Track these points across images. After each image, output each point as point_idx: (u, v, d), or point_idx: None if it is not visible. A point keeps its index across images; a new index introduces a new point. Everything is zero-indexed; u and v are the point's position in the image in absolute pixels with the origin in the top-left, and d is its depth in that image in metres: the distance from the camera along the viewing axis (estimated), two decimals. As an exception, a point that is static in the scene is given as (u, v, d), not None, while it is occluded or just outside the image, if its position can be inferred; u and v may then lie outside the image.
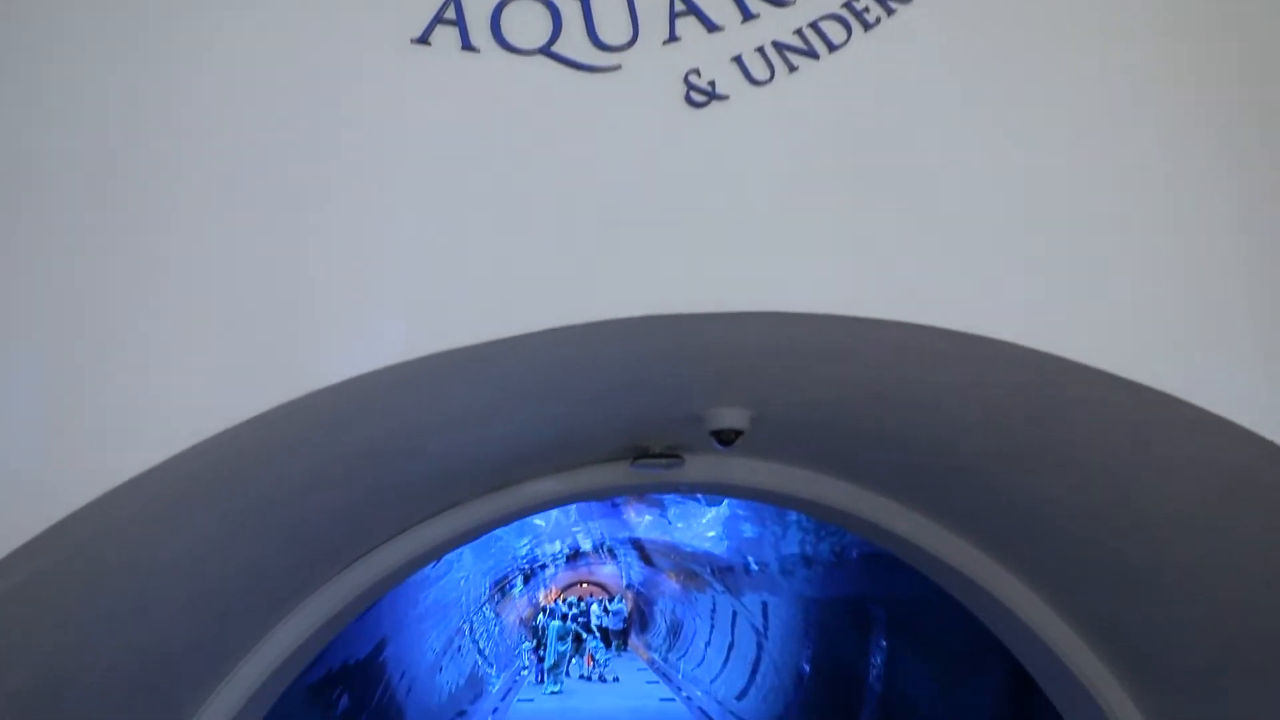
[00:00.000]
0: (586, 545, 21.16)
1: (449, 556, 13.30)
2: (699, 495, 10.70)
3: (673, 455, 3.78)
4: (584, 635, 23.84)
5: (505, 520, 4.29)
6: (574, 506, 15.22)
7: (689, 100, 2.13)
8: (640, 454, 3.78)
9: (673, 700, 19.08)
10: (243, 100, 2.10)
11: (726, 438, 3.16)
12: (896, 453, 3.51)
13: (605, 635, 24.04)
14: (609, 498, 4.55)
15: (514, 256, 2.00)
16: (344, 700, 8.55)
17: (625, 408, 3.11)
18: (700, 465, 4.08)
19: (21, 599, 1.92)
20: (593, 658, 22.69)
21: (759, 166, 2.10)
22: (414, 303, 1.97)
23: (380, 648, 10.18)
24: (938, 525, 3.98)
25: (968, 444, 3.08)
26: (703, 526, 13.14)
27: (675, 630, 25.57)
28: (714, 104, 2.13)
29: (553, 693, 19.84)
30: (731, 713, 15.86)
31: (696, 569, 17.74)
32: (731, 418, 3.11)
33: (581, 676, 21.76)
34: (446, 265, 2.00)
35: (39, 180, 2.02)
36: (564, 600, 28.52)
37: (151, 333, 1.92)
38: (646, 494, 4.36)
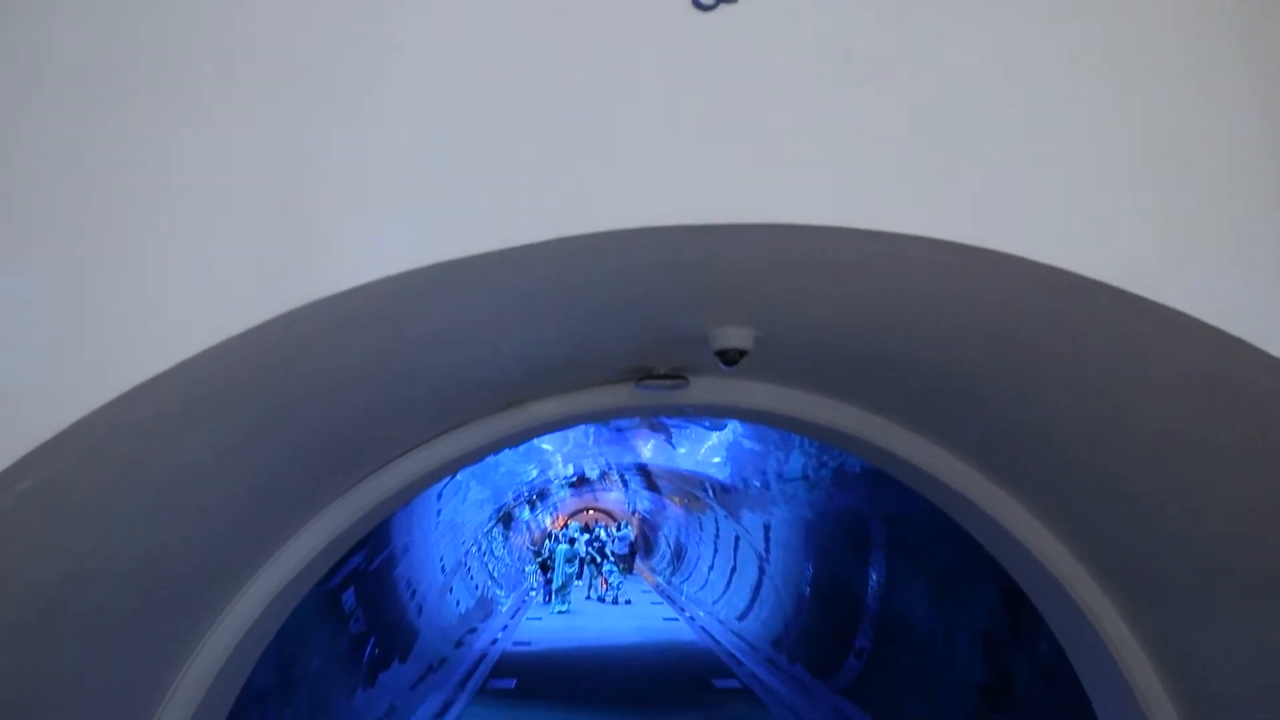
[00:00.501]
0: (593, 473, 21.55)
1: (459, 480, 13.59)
2: (703, 420, 10.79)
3: (677, 377, 3.80)
4: (599, 560, 24.58)
5: (512, 441, 4.35)
6: (580, 434, 15.43)
7: (696, 3, 2.06)
8: (645, 375, 3.80)
9: (676, 620, 19.77)
10: (246, 2, 2.05)
11: (731, 358, 3.17)
12: (899, 374, 3.53)
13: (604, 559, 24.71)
14: (614, 419, 4.60)
15: (516, 165, 1.97)
16: (356, 614, 8.86)
17: (630, 326, 3.11)
18: (704, 387, 4.11)
19: (39, 501, 1.98)
20: (607, 581, 23.38)
21: (767, 72, 2.04)
22: (416, 211, 1.96)
23: (392, 564, 10.50)
24: (938, 447, 4.03)
25: (970, 364, 3.10)
26: (707, 452, 13.32)
27: (679, 555, 26.28)
28: (722, 6, 2.06)
29: (560, 612, 20.57)
30: (733, 632, 16.45)
31: (700, 494, 18.09)
32: (736, 337, 3.12)
33: (598, 599, 22.43)
34: (448, 174, 1.97)
35: (39, 85, 1.98)
36: (570, 526, 29.16)
37: (155, 240, 1.91)
38: (651, 416, 4.40)
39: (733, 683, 12.07)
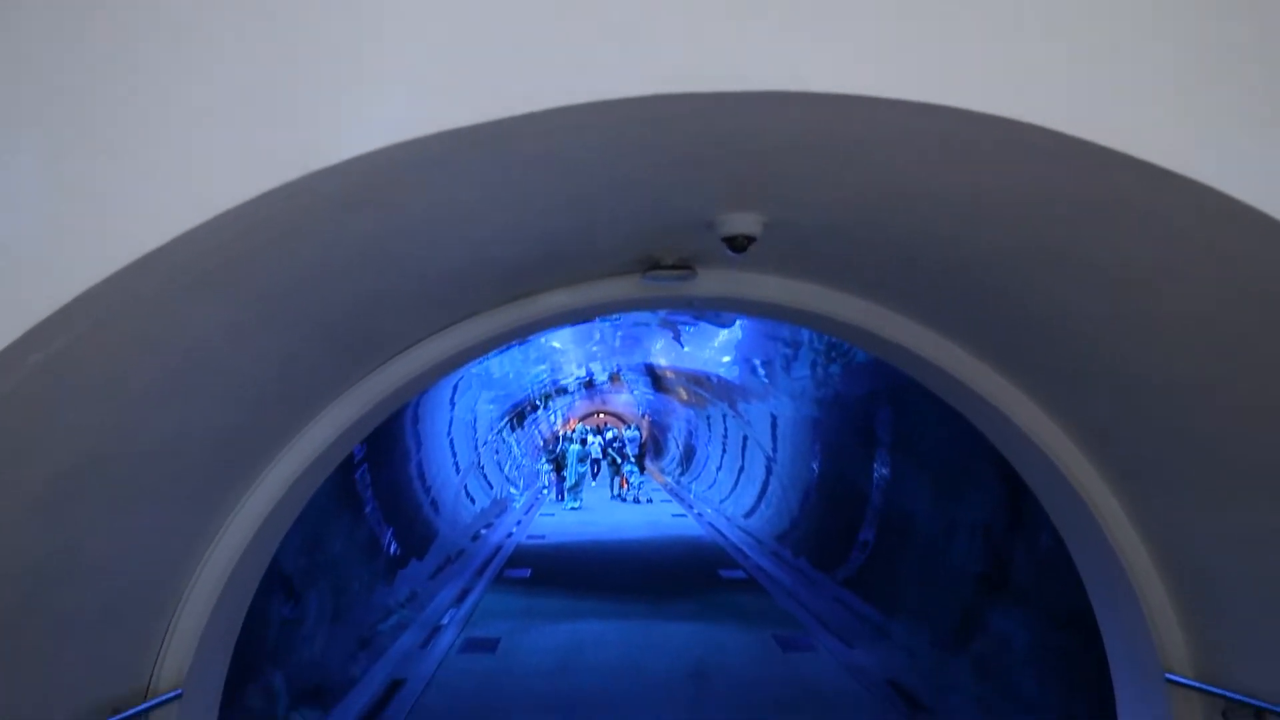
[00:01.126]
0: (602, 376, 21.79)
1: (471, 380, 13.76)
2: (709, 317, 10.73)
3: (684, 267, 3.76)
4: (619, 461, 25.15)
5: (522, 333, 4.37)
6: (591, 336, 15.50)
7: None
8: (652, 266, 3.76)
9: (684, 516, 20.41)
10: None
11: (738, 244, 3.12)
12: (908, 264, 3.48)
13: (613, 455, 25.28)
14: (621, 312, 4.59)
15: (516, 29, 1.89)
16: (374, 506, 9.16)
17: (636, 210, 3.05)
18: (712, 279, 4.08)
19: (53, 375, 2.01)
20: (627, 481, 23.96)
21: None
22: (412, 80, 1.89)
23: (406, 458, 10.79)
24: (945, 339, 4.01)
25: (979, 251, 3.04)
26: (715, 351, 13.35)
27: (688, 456, 26.87)
28: None
29: (572, 509, 21.29)
30: (740, 528, 16.99)
31: (709, 395, 18.31)
32: (744, 223, 3.06)
33: (619, 498, 23.02)
34: (446, 39, 1.89)
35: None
36: (579, 429, 29.67)
37: (152, 113, 1.87)
38: (659, 310, 4.39)
39: (738, 573, 12.56)
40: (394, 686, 6.95)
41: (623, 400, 30.68)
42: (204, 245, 1.93)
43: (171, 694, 3.52)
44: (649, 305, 4.46)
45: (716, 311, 4.93)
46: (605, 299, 4.08)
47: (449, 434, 14.03)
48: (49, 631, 2.83)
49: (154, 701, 3.43)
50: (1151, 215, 2.21)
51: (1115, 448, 3.70)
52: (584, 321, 4.49)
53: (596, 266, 3.88)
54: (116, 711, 3.26)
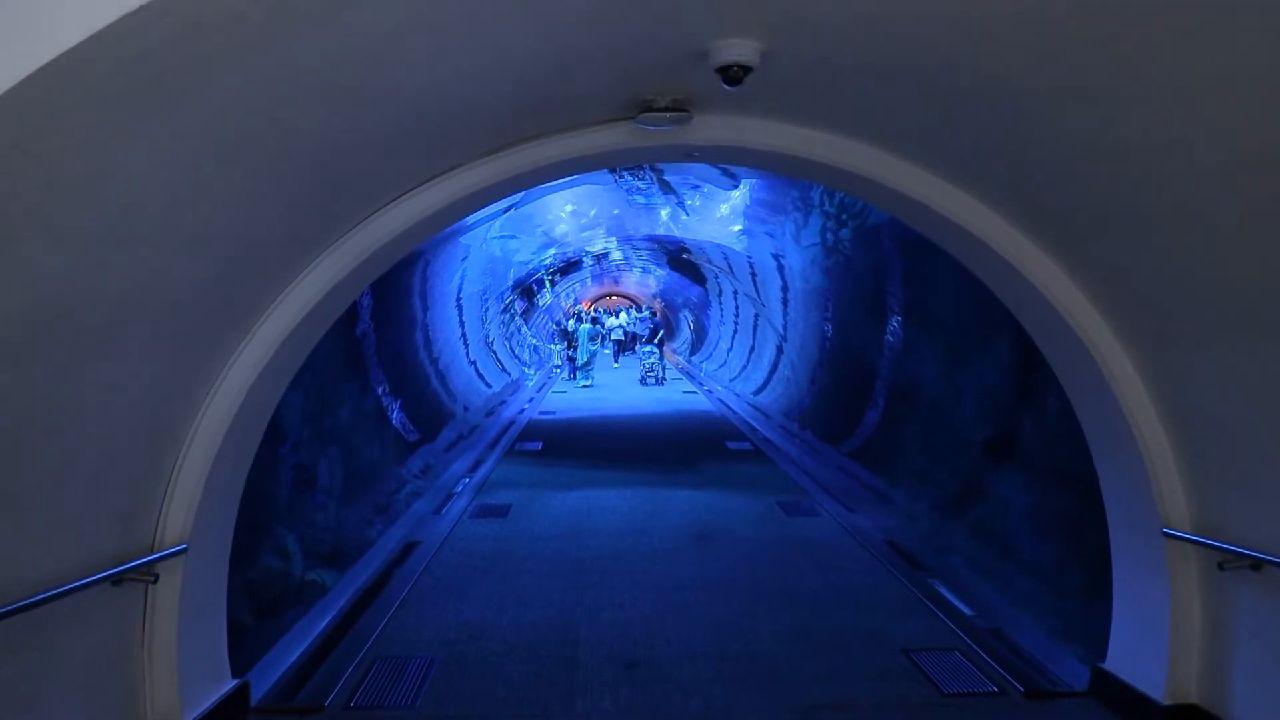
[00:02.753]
0: (616, 256, 21.45)
1: (479, 259, 13.55)
2: (714, 178, 10.30)
3: (678, 109, 3.50)
4: (636, 341, 25.10)
5: (512, 187, 4.16)
6: (594, 211, 15.09)
7: None
8: (644, 108, 3.50)
9: (694, 393, 20.64)
10: None
11: (733, 75, 2.87)
12: (916, 98, 3.21)
13: (633, 340, 25.27)
14: (618, 165, 4.34)
15: None
16: (381, 376, 9.22)
17: (621, 35, 2.79)
18: (711, 126, 3.81)
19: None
20: (644, 364, 23.97)
21: None
22: None
23: (412, 330, 10.79)
24: (954, 187, 3.80)
25: (991, 80, 2.78)
26: (724, 220, 12.95)
27: (700, 336, 26.89)
28: None
29: (584, 386, 21.57)
30: (749, 404, 17.17)
31: (719, 270, 18.05)
32: (739, 50, 2.79)
33: (642, 383, 23.02)
34: None
35: None
36: (587, 312, 29.59)
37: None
38: (656, 162, 4.14)
39: (745, 445, 12.75)
40: (409, 549, 7.19)
41: (634, 280, 30.42)
42: (126, 51, 1.74)
43: (176, 548, 3.59)
44: (645, 156, 4.21)
45: (718, 165, 4.66)
46: (598, 148, 3.84)
47: (458, 306, 13.98)
48: (47, 481, 2.83)
49: (159, 555, 3.50)
50: (1178, 21, 1.96)
51: (1126, 296, 3.53)
52: (579, 174, 4.26)
53: (586, 111, 3.62)
54: (121, 563, 3.33)
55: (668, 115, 3.48)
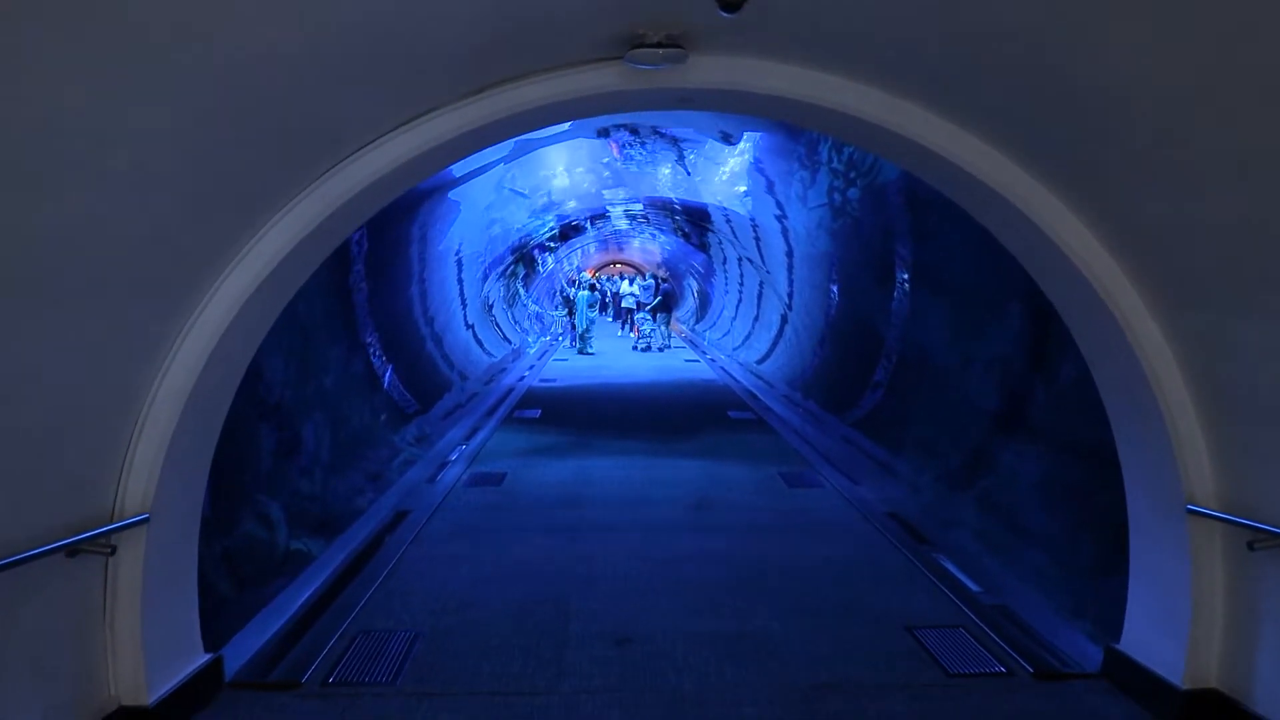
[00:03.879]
0: (621, 222, 21.06)
1: (476, 220, 13.23)
2: (715, 133, 9.89)
3: (672, 45, 3.20)
4: (633, 310, 24.80)
5: (494, 134, 3.87)
6: (592, 173, 14.69)
7: None
8: (635, 43, 3.20)
9: (697, 362, 20.40)
10: None
11: (732, 1, 2.57)
12: (925, 35, 2.91)
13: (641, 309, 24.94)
14: (609, 112, 4.04)
15: None
16: (376, 352, 8.99)
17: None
18: (709, 68, 3.51)
19: None
20: (639, 329, 23.75)
21: None
22: None
23: (408, 281, 10.53)
24: (967, 133, 3.50)
25: (1011, 18, 2.49)
26: (727, 181, 12.53)
27: (704, 304, 26.55)
28: None
29: (584, 354, 21.36)
30: (751, 372, 16.92)
31: (723, 237, 17.69)
32: (739, -29, 2.50)
33: (634, 349, 22.83)
34: None
35: None
36: (585, 280, 29.21)
37: None
38: (651, 109, 3.87)
39: (748, 414, 12.53)
40: (399, 517, 7.01)
41: (637, 247, 30.01)
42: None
43: (137, 518, 3.38)
44: (637, 101, 3.91)
45: (717, 111, 4.38)
46: (586, 91, 3.53)
47: (458, 277, 13.71)
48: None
49: (117, 525, 3.29)
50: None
51: (1153, 253, 3.26)
52: (566, 120, 3.97)
53: (568, 45, 3.31)
54: (78, 533, 3.12)
55: (660, 52, 3.18)
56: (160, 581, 3.57)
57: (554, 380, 16.61)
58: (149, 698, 3.44)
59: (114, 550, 3.31)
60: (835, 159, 8.42)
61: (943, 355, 7.76)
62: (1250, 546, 3.25)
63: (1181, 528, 3.58)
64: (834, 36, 3.20)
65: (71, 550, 3.10)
